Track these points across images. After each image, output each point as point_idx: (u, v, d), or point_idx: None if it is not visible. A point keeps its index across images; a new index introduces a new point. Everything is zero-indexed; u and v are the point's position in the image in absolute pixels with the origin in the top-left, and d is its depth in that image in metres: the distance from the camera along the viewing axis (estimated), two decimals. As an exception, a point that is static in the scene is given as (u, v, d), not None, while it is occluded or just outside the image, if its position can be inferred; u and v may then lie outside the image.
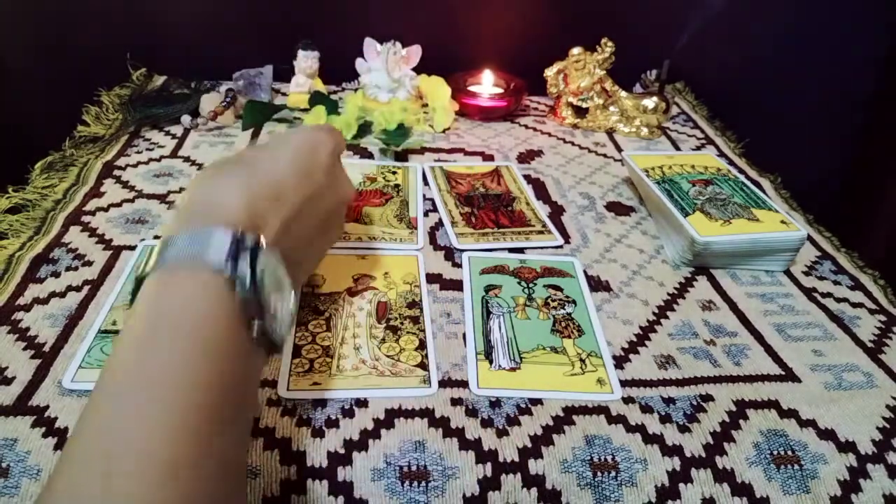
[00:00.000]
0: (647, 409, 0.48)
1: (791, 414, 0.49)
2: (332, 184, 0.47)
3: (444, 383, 0.49)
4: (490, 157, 0.85)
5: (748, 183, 0.72)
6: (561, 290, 0.60)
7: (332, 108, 0.87)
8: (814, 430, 0.47)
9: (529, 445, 0.45)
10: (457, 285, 0.60)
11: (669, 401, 0.49)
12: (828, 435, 0.47)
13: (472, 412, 0.47)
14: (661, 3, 1.07)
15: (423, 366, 0.50)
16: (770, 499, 0.44)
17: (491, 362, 0.51)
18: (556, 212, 0.73)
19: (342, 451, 0.43)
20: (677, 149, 0.91)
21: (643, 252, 0.67)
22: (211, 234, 0.35)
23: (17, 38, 0.96)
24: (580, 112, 0.96)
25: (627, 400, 0.49)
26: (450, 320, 0.56)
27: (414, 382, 0.49)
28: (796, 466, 0.45)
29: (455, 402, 0.48)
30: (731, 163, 0.87)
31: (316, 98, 0.88)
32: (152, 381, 0.30)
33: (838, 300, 0.63)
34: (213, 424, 0.31)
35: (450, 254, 0.64)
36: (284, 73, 0.94)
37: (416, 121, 0.87)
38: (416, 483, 0.42)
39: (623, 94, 0.94)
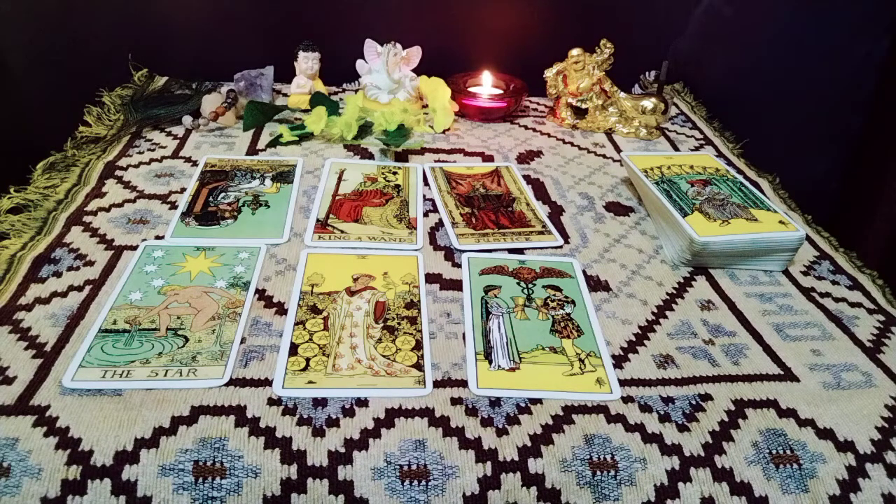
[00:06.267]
0: (646, 408, 0.48)
1: (790, 413, 0.49)
2: None
3: (443, 383, 0.49)
4: (490, 158, 0.85)
5: (746, 183, 0.72)
6: (560, 290, 0.60)
7: (333, 108, 0.88)
8: (812, 430, 0.48)
9: (529, 445, 0.45)
10: (456, 285, 0.60)
11: (668, 400, 0.49)
12: (826, 434, 0.47)
13: (471, 412, 0.47)
14: (661, 5, 1.07)
15: (419, 366, 0.51)
16: (769, 498, 0.44)
17: (490, 362, 0.51)
18: (556, 212, 0.74)
19: (342, 450, 0.44)
20: (676, 149, 0.91)
21: (642, 252, 0.68)
22: None
23: (19, 39, 0.96)
24: (579, 113, 0.96)
25: (626, 399, 0.49)
26: (450, 320, 0.56)
27: (409, 383, 0.49)
28: (795, 466, 0.45)
29: (455, 401, 0.48)
30: (729, 163, 0.87)
31: (316, 99, 0.89)
32: None
33: (837, 300, 0.63)
34: None
35: (450, 254, 0.64)
36: (285, 74, 0.94)
37: (416, 121, 0.87)
38: (416, 482, 0.43)
39: (622, 94, 0.94)
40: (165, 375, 0.48)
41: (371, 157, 0.83)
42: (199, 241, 0.64)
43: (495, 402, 0.48)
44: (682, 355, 0.54)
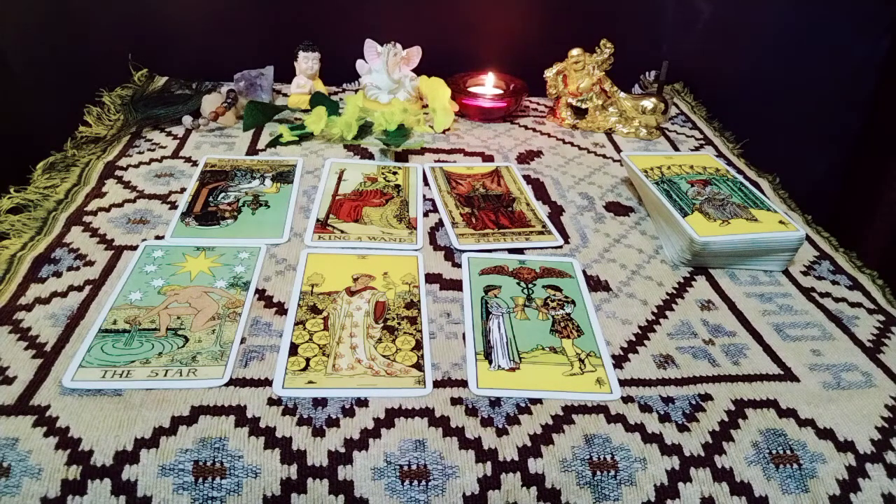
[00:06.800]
0: (646, 408, 0.48)
1: (790, 413, 0.49)
2: None
3: (443, 383, 0.49)
4: (490, 158, 0.85)
5: (746, 183, 0.72)
6: (560, 290, 0.60)
7: (333, 108, 0.88)
8: (812, 430, 0.48)
9: (529, 445, 0.45)
10: (457, 285, 0.60)
11: (668, 400, 0.49)
12: (826, 434, 0.47)
13: (471, 412, 0.47)
14: (661, 5, 1.07)
15: (419, 366, 0.50)
16: (769, 498, 0.44)
17: (490, 362, 0.51)
18: (556, 212, 0.74)
19: (342, 450, 0.44)
20: (676, 149, 0.91)
21: (642, 252, 0.68)
22: None
23: (20, 39, 0.96)
24: (579, 113, 0.96)
25: (626, 399, 0.49)
26: (450, 320, 0.56)
27: (409, 383, 0.49)
28: (795, 466, 0.45)
29: (455, 401, 0.48)
30: (729, 163, 0.87)
31: (316, 99, 0.89)
32: None
33: (837, 300, 0.63)
34: None
35: (450, 254, 0.64)
36: (285, 74, 0.94)
37: (416, 121, 0.87)
38: (416, 482, 0.43)
39: (622, 94, 0.94)
40: (165, 375, 0.48)
41: (371, 157, 0.83)
42: (199, 241, 0.64)
43: (495, 402, 0.48)
44: (682, 355, 0.54)
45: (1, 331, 0.51)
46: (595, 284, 0.62)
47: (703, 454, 0.45)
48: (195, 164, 0.77)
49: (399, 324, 0.55)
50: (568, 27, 1.05)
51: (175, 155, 0.79)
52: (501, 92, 0.97)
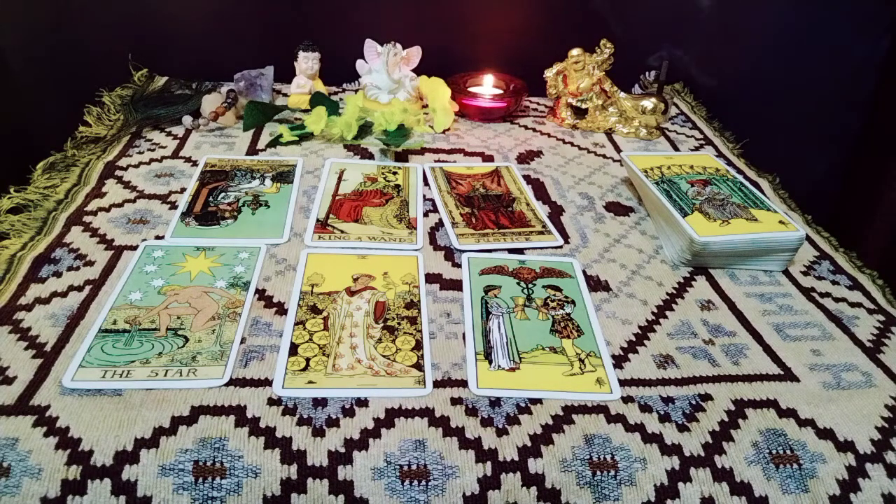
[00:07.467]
0: (646, 408, 0.48)
1: (790, 413, 0.49)
2: None
3: (443, 383, 0.49)
4: (490, 158, 0.85)
5: (746, 183, 0.72)
6: (560, 290, 0.60)
7: (333, 108, 0.88)
8: (812, 430, 0.48)
9: (529, 445, 0.45)
10: (457, 285, 0.60)
11: (668, 400, 0.49)
12: (826, 434, 0.47)
13: (471, 412, 0.47)
14: (660, 5, 1.07)
15: (419, 366, 0.50)
16: (769, 498, 0.44)
17: (490, 362, 0.51)
18: (556, 212, 0.74)
19: (342, 450, 0.44)
20: (676, 149, 0.91)
21: (642, 252, 0.68)
22: None
23: (19, 39, 0.96)
24: (579, 113, 0.96)
25: (626, 399, 0.49)
26: (450, 320, 0.56)
27: (409, 383, 0.49)
28: (795, 466, 0.45)
29: (455, 401, 0.48)
30: (729, 163, 0.87)
31: (316, 99, 0.89)
32: None
33: (837, 300, 0.63)
34: None
35: (450, 254, 0.64)
36: (285, 74, 0.94)
37: (416, 121, 0.87)
38: (416, 482, 0.43)
39: (622, 94, 0.94)
40: (165, 375, 0.48)
41: (371, 157, 0.83)
42: (199, 241, 0.64)
43: (495, 402, 0.48)
44: (682, 355, 0.54)
45: (1, 331, 0.51)
46: (595, 284, 0.62)
47: (703, 454, 0.45)
48: (195, 164, 0.77)
49: (399, 324, 0.55)
50: (568, 27, 1.05)
51: (175, 155, 0.79)
52: (501, 92, 0.97)
